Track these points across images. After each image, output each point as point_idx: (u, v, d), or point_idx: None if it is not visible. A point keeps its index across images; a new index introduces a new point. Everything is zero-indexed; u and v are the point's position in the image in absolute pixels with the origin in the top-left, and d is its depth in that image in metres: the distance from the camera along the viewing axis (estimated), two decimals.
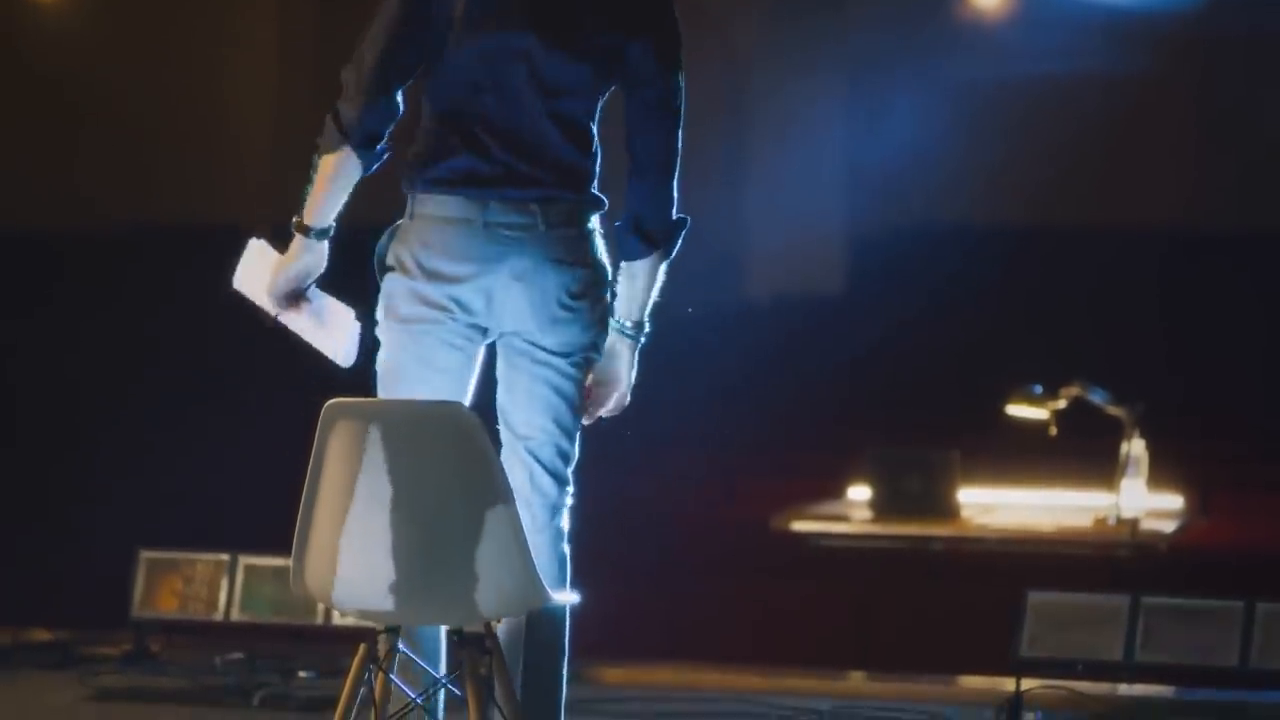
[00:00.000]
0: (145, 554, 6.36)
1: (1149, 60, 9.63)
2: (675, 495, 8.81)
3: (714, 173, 10.16)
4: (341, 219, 3.94)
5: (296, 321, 4.00)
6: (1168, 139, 9.84)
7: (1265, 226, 9.51)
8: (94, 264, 9.46)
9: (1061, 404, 6.86)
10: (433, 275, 3.91)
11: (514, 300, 3.94)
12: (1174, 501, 7.10)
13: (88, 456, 8.39)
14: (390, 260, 3.95)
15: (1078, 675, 5.64)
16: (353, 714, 3.69)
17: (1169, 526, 6.76)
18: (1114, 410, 6.79)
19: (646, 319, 4.12)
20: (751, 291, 10.32)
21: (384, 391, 3.95)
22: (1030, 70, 9.69)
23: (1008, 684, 5.58)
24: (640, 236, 4.02)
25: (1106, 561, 6.71)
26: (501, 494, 3.57)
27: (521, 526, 3.59)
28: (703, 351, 8.95)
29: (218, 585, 6.27)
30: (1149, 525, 6.66)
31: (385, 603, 3.64)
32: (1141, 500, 6.70)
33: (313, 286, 3.99)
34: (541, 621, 3.92)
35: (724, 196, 10.21)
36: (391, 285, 3.95)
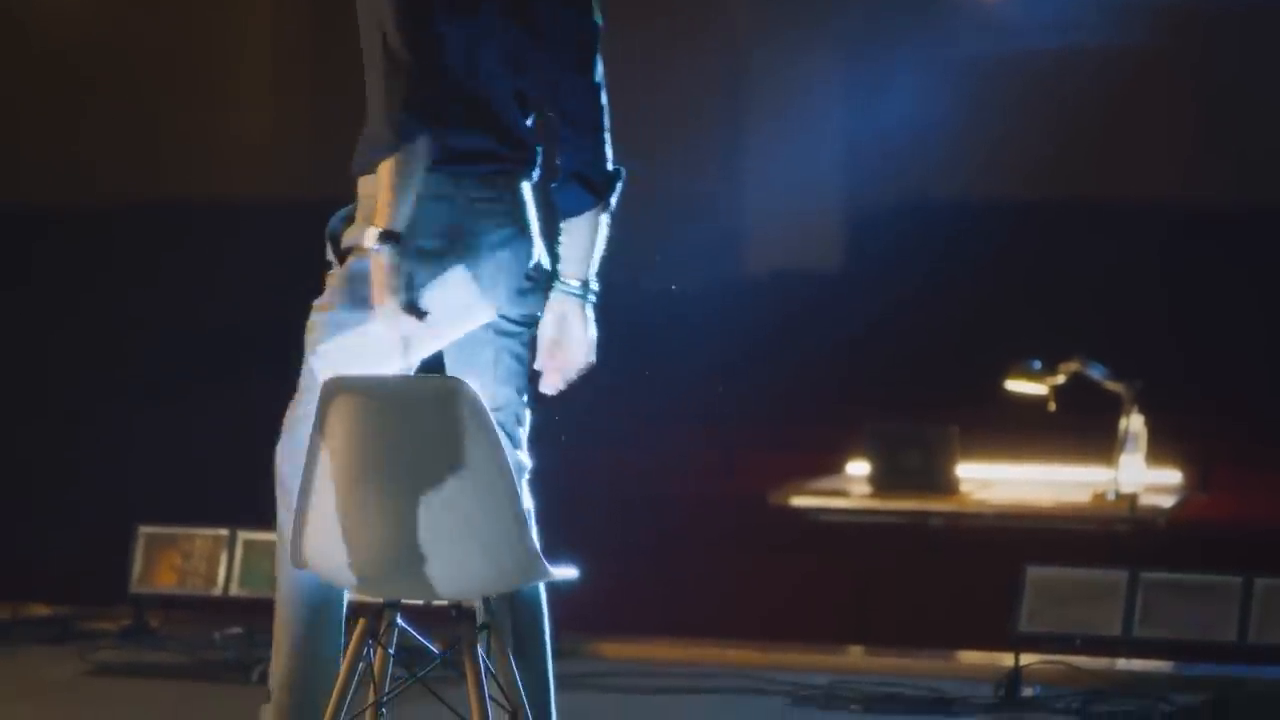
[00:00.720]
0: (144, 529, 6.36)
1: (1147, 34, 9.62)
2: (674, 470, 8.81)
3: (712, 149, 10.15)
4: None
5: (432, 331, 3.89)
6: (1166, 113, 9.83)
7: (1265, 201, 9.50)
8: (90, 236, 9.45)
9: (1060, 379, 6.86)
10: (415, 256, 3.92)
11: (488, 275, 3.98)
12: (1173, 477, 7.10)
13: (87, 431, 8.39)
14: (355, 242, 3.94)
15: (1076, 650, 5.65)
16: (351, 689, 3.70)
17: (1168, 502, 6.76)
18: (1113, 385, 6.79)
19: (593, 278, 4.16)
20: (750, 267, 10.32)
21: (327, 368, 3.96)
22: (1028, 45, 9.67)
23: (1006, 659, 5.59)
24: (585, 186, 4.09)
25: (1105, 537, 6.71)
26: (501, 468, 3.57)
27: (520, 501, 3.59)
28: (702, 327, 8.95)
29: (217, 560, 6.27)
30: (1148, 500, 6.66)
31: (384, 578, 3.64)
32: (1140, 475, 6.70)
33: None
34: (522, 597, 3.95)
35: (722, 173, 10.20)
36: (360, 267, 3.92)
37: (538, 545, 3.64)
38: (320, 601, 4.04)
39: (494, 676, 3.69)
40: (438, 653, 3.78)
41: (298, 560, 3.73)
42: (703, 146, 10.17)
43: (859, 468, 7.12)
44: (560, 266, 4.12)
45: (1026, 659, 5.56)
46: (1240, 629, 5.50)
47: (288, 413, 4.03)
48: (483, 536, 3.58)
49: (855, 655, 6.13)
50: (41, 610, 6.57)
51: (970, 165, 9.90)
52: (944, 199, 9.94)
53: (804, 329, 9.43)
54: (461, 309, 3.95)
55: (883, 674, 5.74)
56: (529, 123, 4.07)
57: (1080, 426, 6.99)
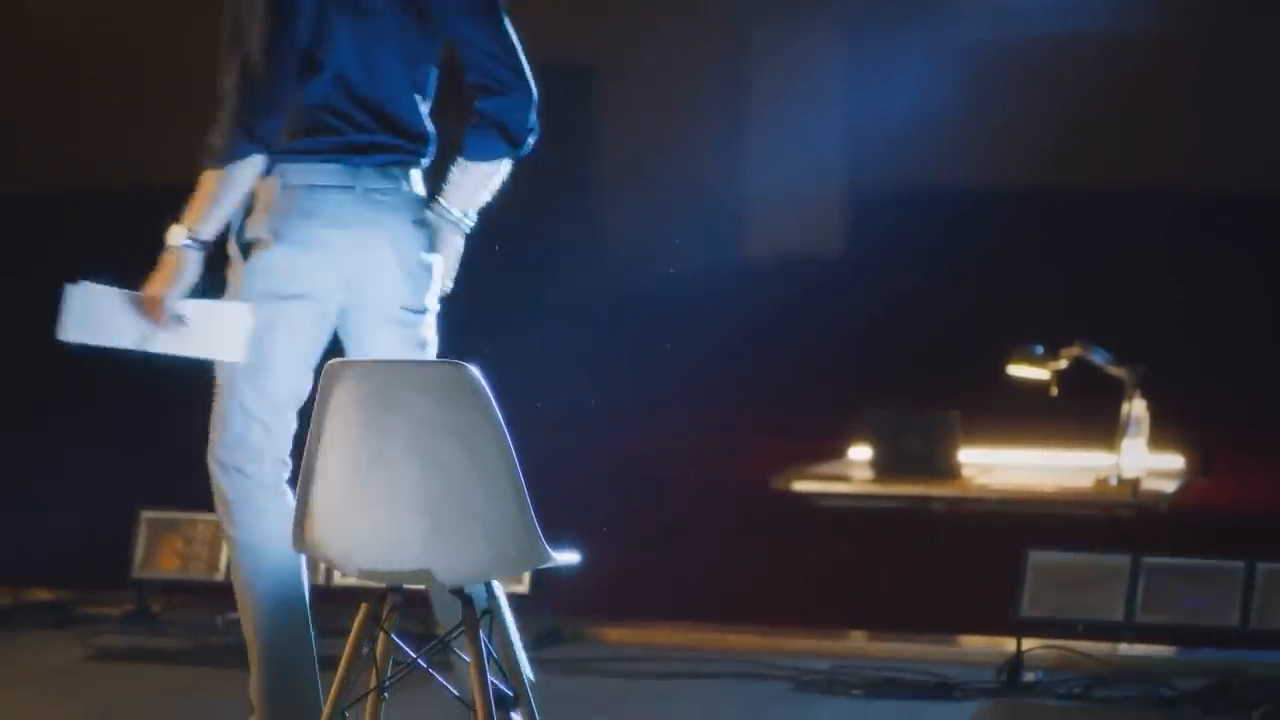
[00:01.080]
0: (146, 514, 6.37)
1: (1152, 18, 9.60)
2: (675, 456, 8.81)
3: (714, 133, 10.14)
4: None
5: (181, 332, 4.02)
6: (1170, 99, 9.82)
7: (1268, 187, 9.49)
8: (92, 221, 9.45)
9: (1063, 364, 6.85)
10: (313, 243, 4.03)
11: (385, 264, 4.11)
12: (1175, 462, 7.10)
13: (89, 415, 8.38)
14: (261, 233, 4.02)
15: (1078, 635, 5.65)
16: (354, 674, 3.70)
17: (1170, 487, 6.76)
18: (1115, 371, 6.79)
19: (473, 214, 4.29)
20: (752, 252, 10.30)
21: (246, 375, 4.03)
22: (1032, 30, 9.66)
23: (1008, 644, 5.59)
24: (502, 136, 4.20)
25: (1107, 522, 6.71)
26: (503, 452, 3.56)
27: (523, 485, 3.59)
28: (703, 311, 8.94)
29: (218, 545, 6.28)
30: (1150, 485, 6.65)
31: (387, 562, 3.64)
32: (1142, 460, 6.70)
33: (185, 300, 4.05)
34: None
35: (724, 157, 10.19)
36: (267, 260, 4.02)
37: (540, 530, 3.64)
38: (283, 606, 4.09)
39: (496, 661, 3.69)
40: (439, 637, 3.78)
41: (298, 545, 3.73)
42: (703, 130, 10.16)
43: (861, 453, 7.12)
44: (446, 194, 4.23)
45: (1028, 644, 5.56)
46: (1242, 614, 5.50)
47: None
48: (486, 521, 3.58)
49: (857, 640, 6.13)
50: (43, 595, 6.57)
51: (973, 150, 9.89)
52: (946, 184, 9.92)
53: (806, 314, 9.42)
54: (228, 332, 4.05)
55: (884, 659, 5.75)
56: (425, 110, 4.19)
57: (1082, 411, 6.99)
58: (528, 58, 4.26)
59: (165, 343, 4.02)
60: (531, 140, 4.25)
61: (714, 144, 10.09)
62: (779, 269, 10.14)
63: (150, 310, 3.98)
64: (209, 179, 3.95)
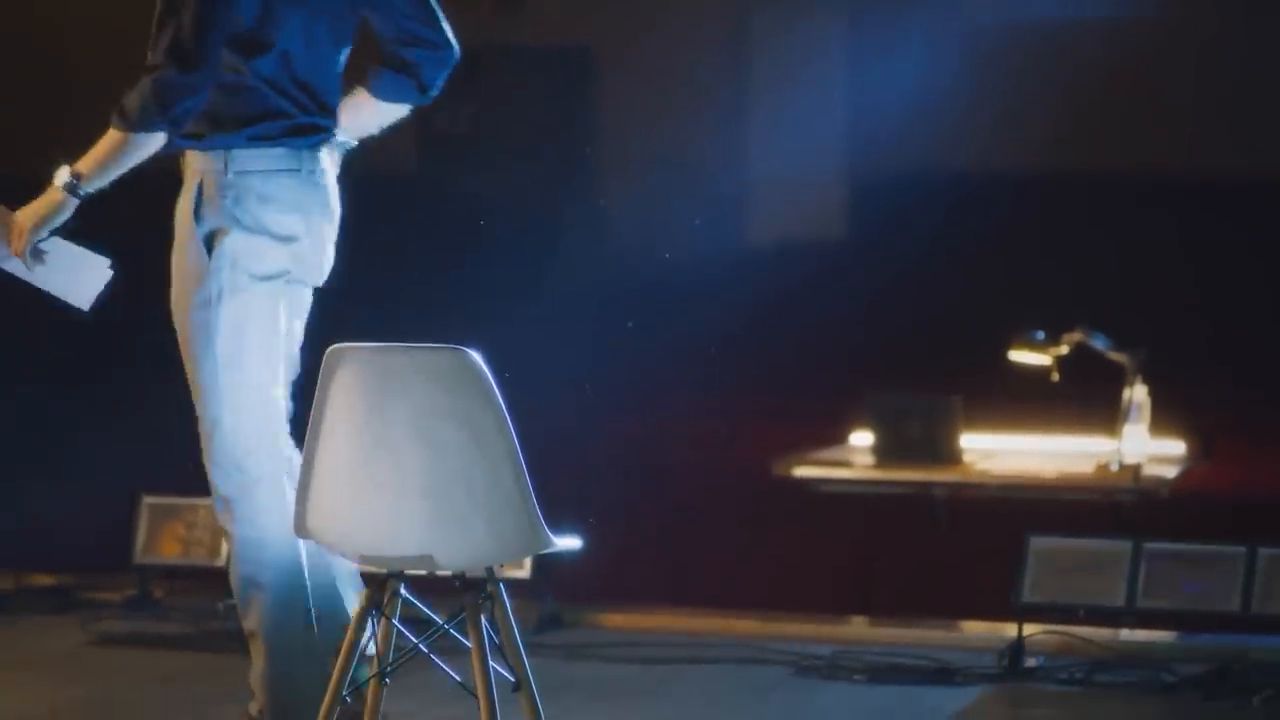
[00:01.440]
0: (148, 499, 6.36)
1: (1153, 4, 9.59)
2: (676, 441, 8.81)
3: (715, 117, 10.13)
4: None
5: (36, 270, 4.09)
6: (1173, 83, 9.81)
7: (1270, 172, 9.49)
8: (92, 203, 9.42)
9: (1064, 349, 6.85)
10: (278, 227, 4.08)
11: (325, 245, 4.17)
12: (1176, 447, 7.09)
13: (90, 400, 8.38)
14: (222, 222, 4.04)
15: (1079, 620, 5.65)
16: (355, 659, 3.70)
17: (1171, 472, 6.76)
18: (1116, 356, 6.79)
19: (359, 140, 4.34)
20: (754, 236, 10.30)
21: (228, 370, 4.03)
22: (1035, 14, 9.65)
23: (1009, 629, 5.59)
24: (417, 86, 4.25)
25: (1108, 507, 6.71)
26: (505, 438, 3.56)
27: (524, 471, 3.59)
28: (704, 296, 8.94)
29: (220, 530, 6.26)
30: (1151, 471, 6.65)
31: (388, 548, 3.64)
32: (1143, 446, 6.69)
33: (53, 236, 4.10)
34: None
35: (725, 141, 10.18)
36: (238, 244, 4.04)
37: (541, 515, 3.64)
38: (287, 596, 4.11)
39: (499, 647, 3.69)
40: (441, 622, 3.78)
41: (300, 531, 3.73)
42: (704, 115, 10.15)
43: (862, 438, 7.11)
44: (342, 124, 4.25)
45: (1029, 629, 5.56)
46: (1244, 599, 5.50)
47: None
48: (487, 506, 3.58)
49: (858, 625, 6.13)
50: (45, 580, 6.57)
51: (974, 136, 9.88)
52: (948, 169, 9.92)
53: (807, 299, 9.42)
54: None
55: (885, 644, 5.75)
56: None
57: (1083, 397, 6.98)
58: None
59: (17, 267, 4.11)
60: (434, 95, 4.31)
61: (714, 128, 10.09)
62: (780, 254, 10.14)
63: (15, 239, 4.05)
64: (114, 139, 4.00)
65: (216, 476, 4.13)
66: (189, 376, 4.15)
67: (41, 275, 4.10)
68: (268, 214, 4.08)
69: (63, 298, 4.14)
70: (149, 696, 5.32)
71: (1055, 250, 9.58)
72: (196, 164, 4.12)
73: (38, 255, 4.07)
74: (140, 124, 3.97)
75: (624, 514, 7.27)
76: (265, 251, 4.08)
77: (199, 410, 4.13)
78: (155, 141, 4.01)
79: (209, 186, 4.09)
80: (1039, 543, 5.66)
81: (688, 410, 8.99)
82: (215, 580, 6.29)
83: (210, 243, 4.08)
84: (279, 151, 4.09)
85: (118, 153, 4.00)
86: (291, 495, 3.92)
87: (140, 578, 6.32)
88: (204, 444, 4.14)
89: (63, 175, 4.02)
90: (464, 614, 3.64)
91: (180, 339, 4.16)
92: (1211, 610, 5.56)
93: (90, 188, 4.03)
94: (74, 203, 4.04)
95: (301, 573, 4.12)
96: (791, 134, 10.06)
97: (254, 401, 4.10)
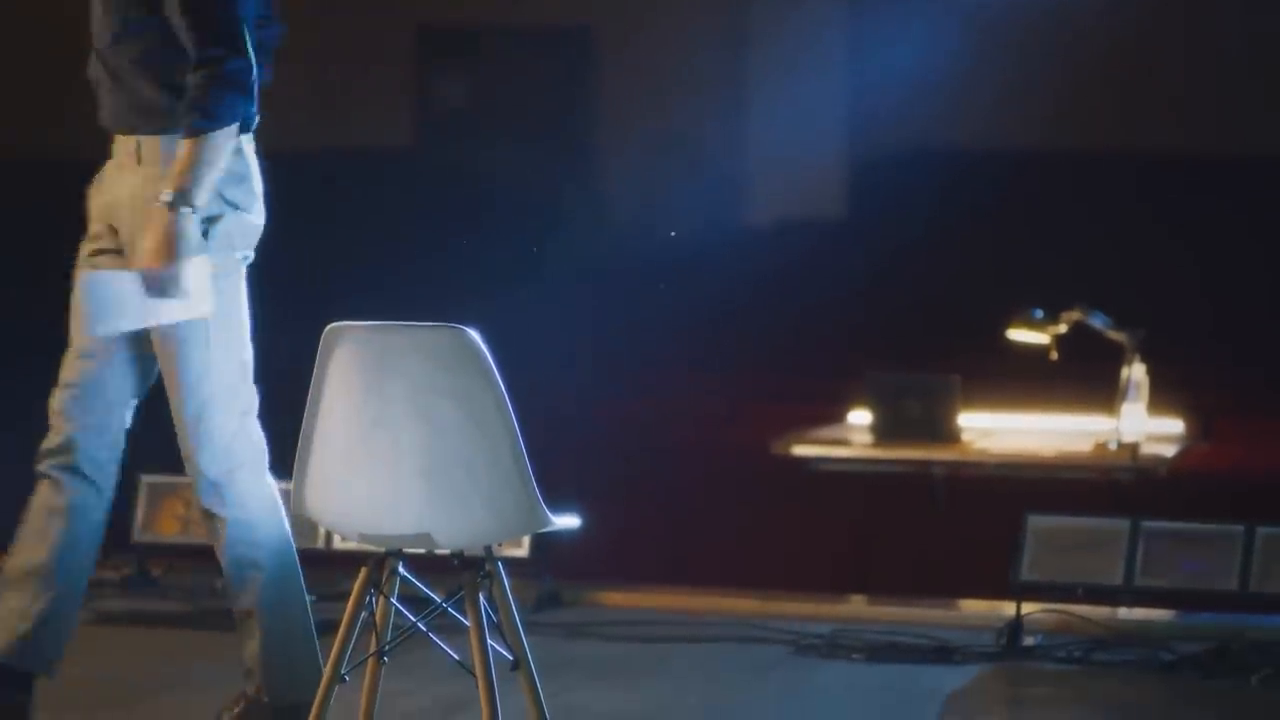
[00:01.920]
0: (146, 478, 6.35)
1: None
2: (675, 420, 8.81)
3: (715, 98, 10.13)
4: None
5: (181, 305, 3.98)
6: (1172, 62, 9.80)
7: (1269, 150, 9.49)
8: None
9: (1062, 328, 6.85)
10: (250, 204, 4.07)
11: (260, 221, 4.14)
12: (1174, 426, 7.10)
13: None
14: (215, 207, 4.00)
15: (1078, 599, 5.65)
16: (354, 638, 3.70)
17: (1169, 451, 6.76)
18: (1115, 335, 6.79)
19: None
20: (753, 216, 10.31)
21: (226, 344, 4.04)
22: None
23: (1008, 608, 5.59)
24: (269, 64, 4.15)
25: (1107, 486, 6.72)
26: (503, 416, 3.56)
27: (523, 450, 3.59)
28: (704, 275, 8.94)
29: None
30: (1149, 450, 6.66)
31: (387, 527, 3.64)
32: (1142, 425, 6.70)
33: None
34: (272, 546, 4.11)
35: (725, 122, 10.18)
36: (225, 228, 4.03)
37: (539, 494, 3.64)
38: (280, 576, 4.11)
39: (497, 625, 3.69)
40: (439, 601, 3.78)
41: (298, 510, 3.73)
42: (704, 95, 10.14)
43: (861, 417, 7.12)
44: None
45: (1028, 608, 5.56)
46: (1241, 578, 5.50)
47: None
48: (486, 485, 3.58)
49: (857, 604, 6.13)
50: None
51: (973, 115, 9.88)
52: (947, 148, 9.92)
53: (806, 278, 9.42)
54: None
55: (884, 623, 5.75)
56: None
57: (1082, 375, 6.99)
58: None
59: (169, 312, 3.99)
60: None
61: (714, 108, 10.08)
62: (779, 233, 10.14)
63: (162, 284, 3.92)
64: (212, 144, 3.90)
65: (204, 461, 4.07)
66: (164, 364, 4.09)
67: (183, 307, 3.98)
68: (243, 191, 4.06)
69: (193, 315, 4.02)
70: (148, 674, 5.32)
71: (1054, 229, 9.59)
72: (162, 147, 4.02)
73: (180, 288, 3.92)
74: (231, 116, 3.91)
75: (624, 493, 7.28)
76: (247, 231, 4.06)
77: (182, 395, 4.07)
78: (234, 133, 3.96)
79: (165, 172, 4.02)
80: (1037, 521, 5.66)
81: (687, 389, 9.00)
82: (214, 559, 6.29)
83: (206, 228, 4.01)
84: (245, 135, 4.06)
85: (214, 153, 3.91)
86: (270, 477, 3.99)
87: (139, 556, 6.32)
88: (189, 429, 4.08)
89: (165, 198, 3.90)
90: (462, 593, 3.64)
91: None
92: (1209, 589, 5.56)
93: (199, 200, 3.91)
94: (192, 217, 3.92)
95: (293, 552, 4.12)
96: (791, 114, 10.06)
97: (241, 383, 4.08)
